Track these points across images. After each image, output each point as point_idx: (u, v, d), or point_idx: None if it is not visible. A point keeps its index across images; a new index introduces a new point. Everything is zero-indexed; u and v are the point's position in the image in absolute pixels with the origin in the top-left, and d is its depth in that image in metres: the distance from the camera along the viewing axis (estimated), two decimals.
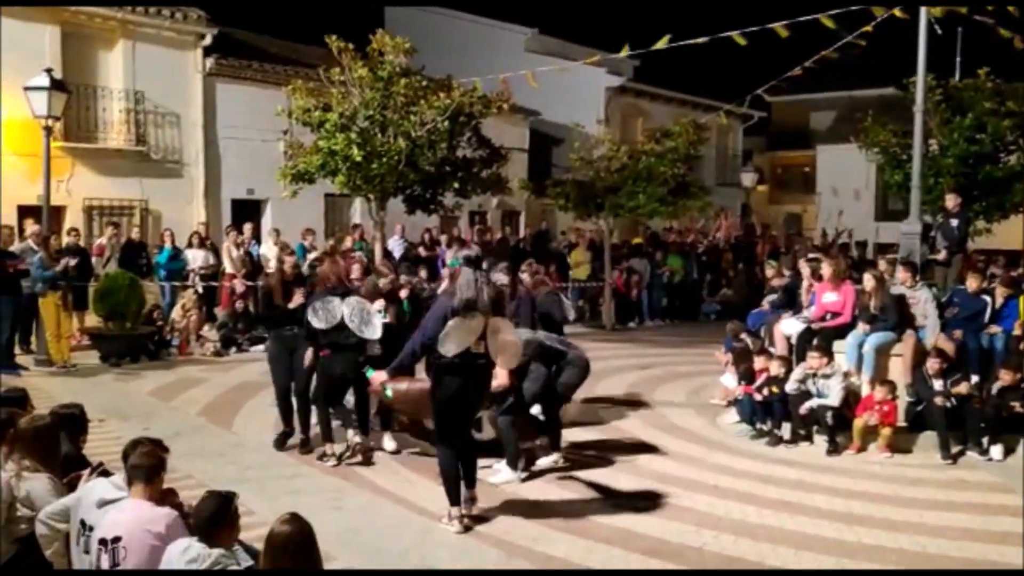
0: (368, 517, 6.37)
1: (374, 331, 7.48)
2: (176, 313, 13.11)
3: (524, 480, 7.23)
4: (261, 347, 13.18)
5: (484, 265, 6.35)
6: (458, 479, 6.17)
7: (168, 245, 14.37)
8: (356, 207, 19.01)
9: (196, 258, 14.52)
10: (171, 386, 10.72)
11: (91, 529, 4.26)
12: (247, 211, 17.62)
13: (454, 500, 6.15)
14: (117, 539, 3.93)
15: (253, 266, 14.87)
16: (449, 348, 5.86)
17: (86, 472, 4.68)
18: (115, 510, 4.09)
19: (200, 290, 13.94)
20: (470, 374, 6.01)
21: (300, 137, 13.68)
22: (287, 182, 13.28)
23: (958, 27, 17.06)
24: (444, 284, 6.55)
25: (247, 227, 15.51)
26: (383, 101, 12.72)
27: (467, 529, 6.09)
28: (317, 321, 7.44)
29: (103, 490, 4.29)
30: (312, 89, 13.15)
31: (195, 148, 17.12)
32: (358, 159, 12.37)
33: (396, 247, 16.16)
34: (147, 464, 4.16)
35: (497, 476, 7.18)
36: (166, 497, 4.16)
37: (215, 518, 3.74)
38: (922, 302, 9.14)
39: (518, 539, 5.98)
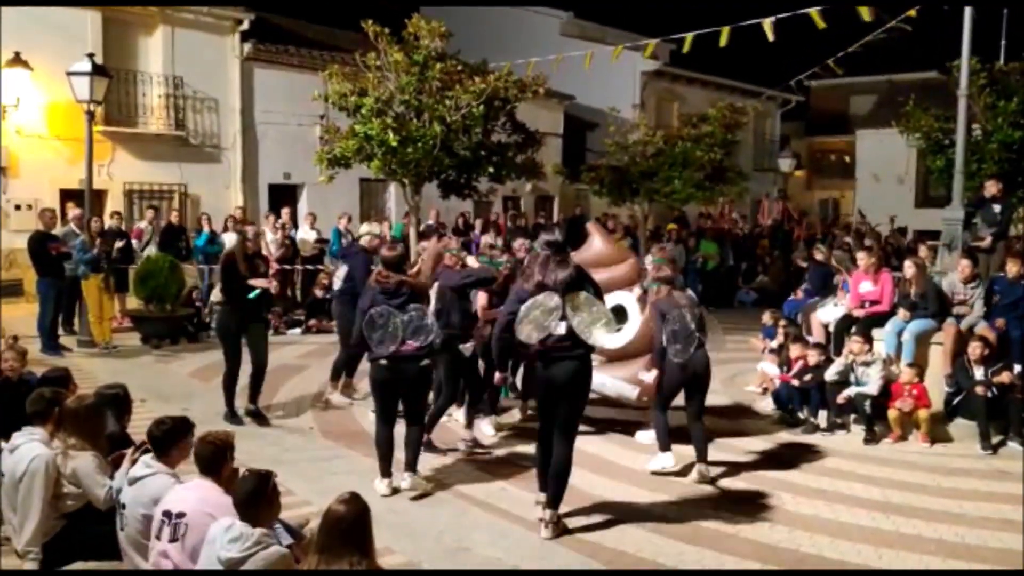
0: (405, 499, 6.43)
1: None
2: (214, 296, 13.26)
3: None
4: (298, 330, 13.39)
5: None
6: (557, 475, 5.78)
7: (206, 229, 14.55)
8: (391, 192, 19.10)
9: (232, 242, 14.65)
10: (210, 368, 10.85)
11: (124, 507, 4.37)
12: (284, 195, 17.77)
13: (549, 501, 5.83)
14: (182, 514, 4.03)
15: (292, 250, 15.01)
16: (529, 334, 5.58)
17: (130, 451, 4.78)
18: (187, 487, 4.21)
19: None
20: (567, 357, 5.64)
21: (336, 122, 13.74)
22: (323, 167, 13.37)
23: (1004, 8, 16.65)
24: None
25: (285, 212, 15.65)
26: (418, 86, 12.73)
27: (559, 534, 5.77)
28: None
29: (135, 468, 4.41)
30: (348, 74, 13.20)
31: (233, 133, 17.28)
32: (393, 144, 12.41)
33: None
34: (204, 455, 4.26)
35: (652, 463, 7.16)
36: (233, 480, 4.23)
37: (254, 497, 3.80)
38: (973, 297, 8.98)
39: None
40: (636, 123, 18.06)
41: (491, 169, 13.73)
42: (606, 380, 7.76)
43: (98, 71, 11.85)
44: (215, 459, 4.23)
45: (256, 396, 8.61)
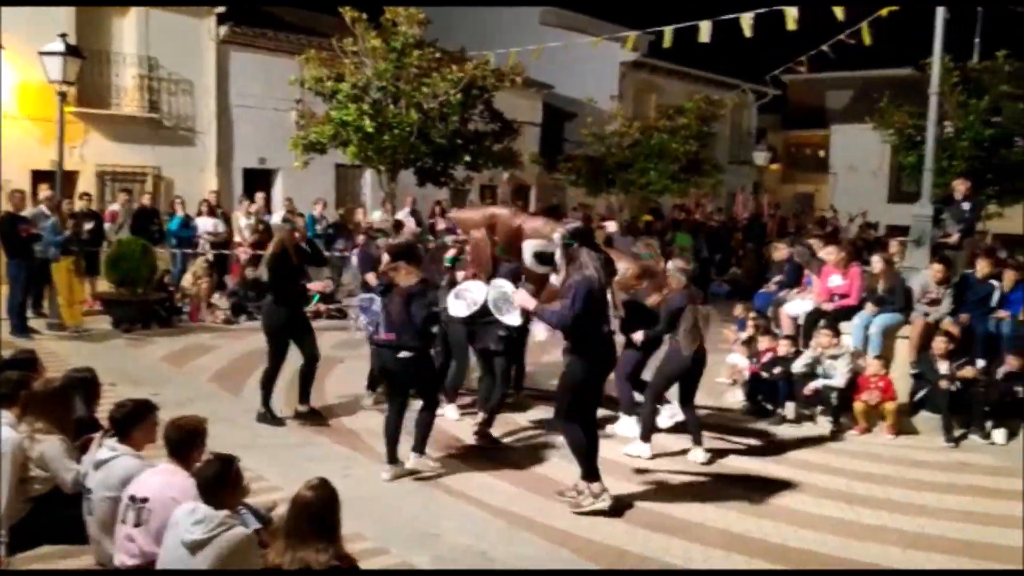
0: (376, 485, 6.45)
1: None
2: (187, 280, 13.19)
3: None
4: None
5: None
6: (594, 451, 6.04)
7: (179, 212, 14.43)
8: (367, 179, 19.03)
9: (206, 226, 14.57)
10: (182, 352, 10.82)
11: (90, 491, 4.37)
12: (259, 180, 17.66)
13: (594, 474, 6.01)
14: (145, 500, 4.03)
15: (266, 235, 14.90)
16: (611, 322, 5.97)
17: (98, 435, 4.76)
18: (154, 471, 4.21)
19: (211, 258, 14.01)
20: (606, 350, 6.00)
21: (312, 107, 13.68)
22: (299, 152, 13.31)
23: (978, 8, 16.85)
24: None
25: (259, 196, 15.55)
26: (396, 72, 12.71)
27: (616, 508, 6.01)
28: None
29: (100, 451, 4.40)
30: (325, 59, 13.15)
31: (208, 116, 17.14)
32: (370, 130, 12.39)
33: (406, 220, 16.17)
34: (173, 439, 4.26)
35: (630, 447, 7.32)
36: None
37: (217, 480, 3.81)
38: (944, 294, 9.12)
39: (523, 510, 6.07)
40: (613, 114, 18.09)
41: (468, 158, 13.75)
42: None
43: (71, 51, 11.71)
44: (184, 444, 4.22)
45: (308, 394, 8.18)
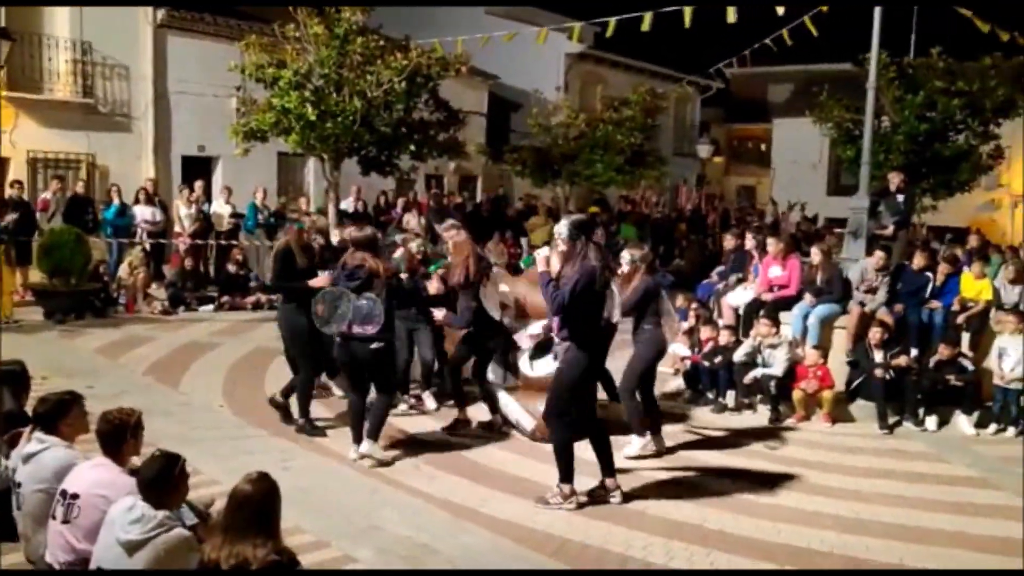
0: (317, 477, 6.38)
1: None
2: (123, 270, 12.87)
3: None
4: (210, 307, 13.07)
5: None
6: (572, 455, 5.98)
7: (115, 201, 14.06)
8: (310, 167, 18.75)
9: (144, 215, 14.23)
10: (117, 344, 10.56)
11: (19, 485, 4.24)
12: (198, 168, 17.26)
13: (567, 476, 5.96)
14: (75, 496, 3.92)
15: (206, 224, 14.65)
16: (615, 315, 5.83)
17: (27, 429, 4.62)
18: (87, 466, 4.09)
19: (148, 248, 13.70)
20: (601, 345, 5.92)
21: (253, 94, 13.42)
22: (239, 139, 13.05)
23: (914, 5, 17.25)
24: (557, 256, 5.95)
25: (198, 184, 15.22)
26: (339, 59, 12.52)
27: (580, 506, 5.94)
28: None
29: (29, 445, 4.28)
30: (266, 45, 12.89)
31: (144, 102, 16.69)
32: (312, 118, 12.20)
33: (350, 209, 16.00)
34: (103, 433, 4.15)
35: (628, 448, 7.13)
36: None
37: (160, 479, 3.72)
38: (881, 284, 9.31)
39: (466, 501, 6.05)
40: (558, 105, 18.11)
41: (412, 147, 13.63)
42: (510, 403, 7.73)
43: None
44: (114, 437, 4.12)
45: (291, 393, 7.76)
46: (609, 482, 6.14)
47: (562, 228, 5.79)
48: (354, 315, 6.41)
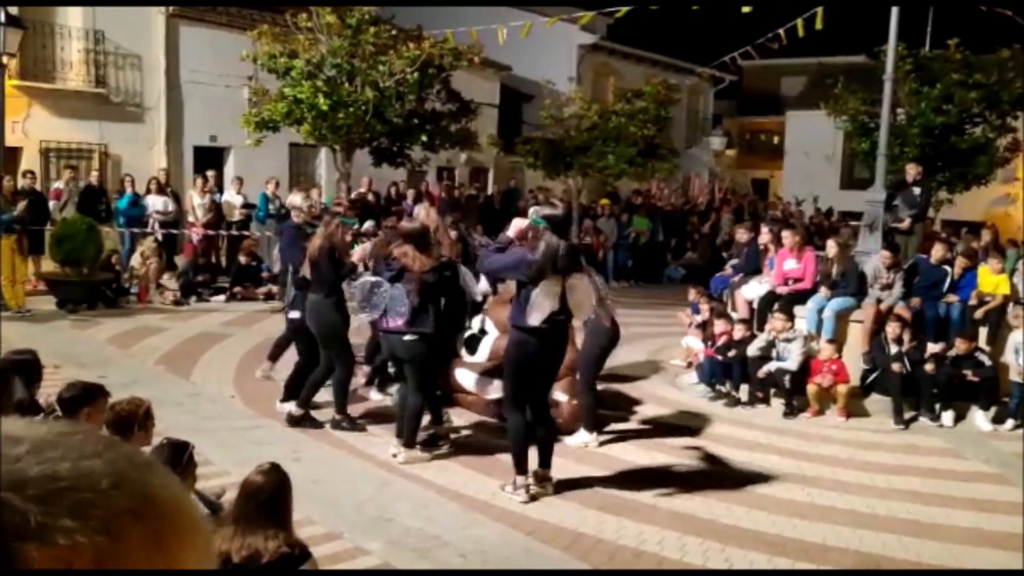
0: (327, 469, 6.36)
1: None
2: (135, 260, 12.88)
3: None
4: (222, 297, 13.07)
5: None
6: (527, 447, 5.97)
7: (128, 191, 14.07)
8: (322, 158, 18.73)
9: (156, 205, 14.24)
10: (129, 334, 10.57)
11: None
12: (210, 158, 17.26)
13: (521, 468, 5.95)
14: None
15: (218, 215, 14.65)
16: (535, 318, 5.70)
17: (38, 419, 4.59)
18: None
19: (160, 238, 13.70)
20: (551, 337, 5.81)
21: (265, 84, 13.40)
22: (251, 130, 13.04)
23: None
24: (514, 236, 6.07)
25: (210, 175, 15.22)
26: (351, 49, 12.49)
27: (533, 499, 5.90)
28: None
29: None
30: (278, 34, 12.86)
31: (157, 92, 16.68)
32: (324, 108, 12.17)
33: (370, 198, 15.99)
34: (112, 424, 4.12)
35: (573, 438, 7.12)
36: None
37: (169, 467, 3.68)
38: (896, 279, 9.21)
39: (478, 493, 6.02)
40: (571, 96, 18.01)
41: (424, 138, 13.59)
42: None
43: (11, 22, 11.33)
44: (122, 428, 4.08)
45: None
46: (540, 472, 6.05)
47: (537, 216, 5.92)
48: (388, 305, 6.43)
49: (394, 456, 6.56)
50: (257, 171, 16.08)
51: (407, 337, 6.41)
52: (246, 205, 15.11)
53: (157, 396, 7.73)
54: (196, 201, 14.56)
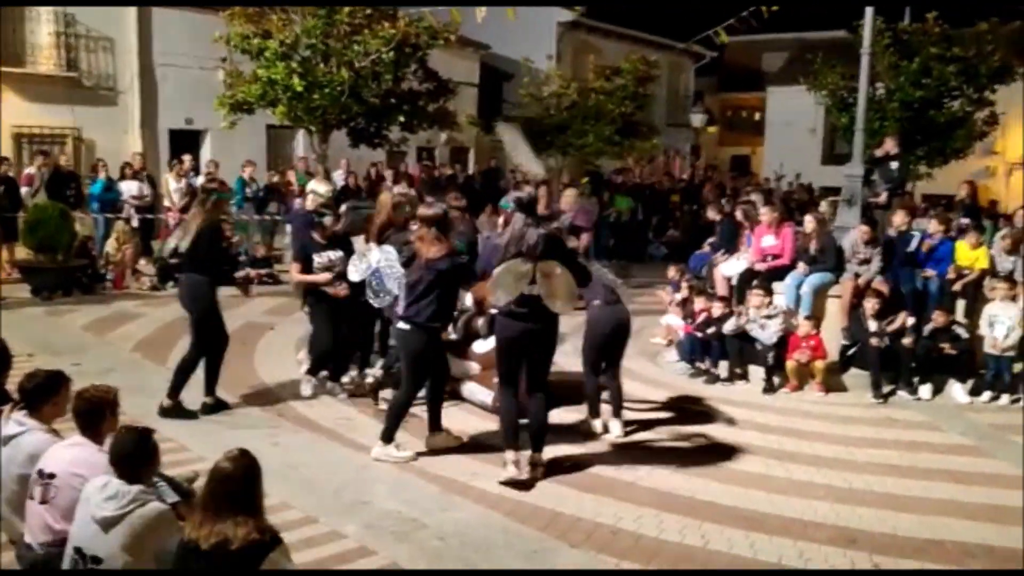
0: (305, 454, 6.32)
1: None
2: (110, 246, 12.73)
3: None
4: None
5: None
6: (514, 423, 5.97)
7: (102, 176, 13.89)
8: (299, 140, 18.55)
9: (130, 189, 14.07)
10: (105, 321, 10.46)
11: None
12: (186, 142, 17.07)
13: (508, 443, 5.97)
14: (52, 475, 3.85)
15: (195, 198, 14.47)
16: (499, 297, 5.77)
17: (7, 408, 4.53)
18: (63, 445, 4.02)
19: (135, 223, 13.55)
20: (530, 317, 5.77)
21: (240, 65, 13.22)
22: (226, 112, 12.88)
23: None
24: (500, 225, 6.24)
25: (186, 158, 15.05)
26: (325, 29, 12.32)
27: (527, 485, 5.83)
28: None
29: (7, 426, 4.19)
30: (251, 15, 12.66)
31: (130, 75, 16.45)
32: (299, 89, 12.03)
33: (340, 182, 15.84)
34: (81, 411, 4.06)
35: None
36: None
37: (133, 455, 3.64)
38: (873, 254, 9.20)
39: (457, 475, 6.00)
40: (550, 74, 17.89)
41: (402, 118, 13.48)
42: (472, 388, 7.63)
43: None
44: (92, 416, 4.03)
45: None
46: (532, 456, 5.98)
47: (508, 200, 6.05)
48: (378, 288, 6.43)
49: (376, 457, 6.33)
50: (234, 154, 15.92)
51: (401, 325, 6.25)
52: (190, 187, 14.86)
53: (134, 383, 7.72)
54: (172, 185, 14.40)
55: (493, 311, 6.62)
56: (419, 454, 6.34)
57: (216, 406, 7.12)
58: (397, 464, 6.17)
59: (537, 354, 5.97)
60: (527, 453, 6.00)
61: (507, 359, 6.03)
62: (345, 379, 7.83)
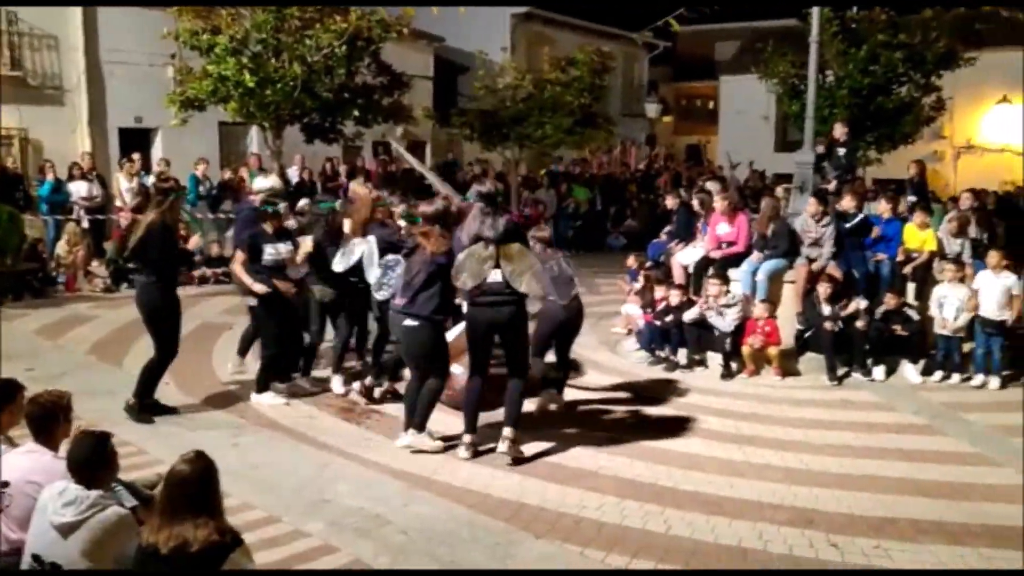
0: (266, 453, 6.28)
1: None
2: (61, 248, 12.49)
3: None
4: None
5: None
6: (476, 410, 6.26)
7: (50, 177, 13.60)
8: (253, 136, 18.29)
9: (80, 190, 13.80)
10: (58, 324, 10.27)
11: None
12: (136, 141, 16.72)
13: (468, 428, 6.25)
14: (5, 484, 3.79)
15: (147, 198, 14.24)
16: (465, 281, 5.99)
17: None
18: (17, 452, 3.95)
19: (86, 224, 13.30)
20: (496, 304, 6.02)
21: (189, 62, 13.01)
22: (176, 109, 12.67)
23: None
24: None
25: (136, 157, 14.78)
26: (276, 24, 12.17)
27: (517, 461, 6.13)
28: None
29: None
30: (200, 10, 12.45)
31: (76, 73, 16.07)
32: (251, 85, 11.88)
33: (295, 178, 15.70)
34: (33, 417, 4.00)
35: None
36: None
37: (90, 459, 3.59)
38: (825, 237, 9.34)
39: (420, 470, 6.00)
40: (504, 66, 17.85)
41: (356, 112, 13.37)
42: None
43: None
44: (45, 421, 3.97)
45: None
46: (506, 431, 6.19)
47: (471, 193, 6.46)
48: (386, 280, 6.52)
49: (407, 446, 6.36)
50: (187, 152, 15.64)
51: (408, 323, 6.21)
52: (141, 186, 14.63)
53: (89, 386, 7.62)
54: (123, 185, 14.16)
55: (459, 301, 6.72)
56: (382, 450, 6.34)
57: (139, 409, 6.92)
58: (358, 460, 6.15)
59: (508, 339, 6.21)
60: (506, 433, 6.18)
61: (475, 349, 6.27)
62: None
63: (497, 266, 5.96)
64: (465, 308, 6.56)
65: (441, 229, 6.24)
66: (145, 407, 6.93)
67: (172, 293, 6.96)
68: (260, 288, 7.10)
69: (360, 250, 7.13)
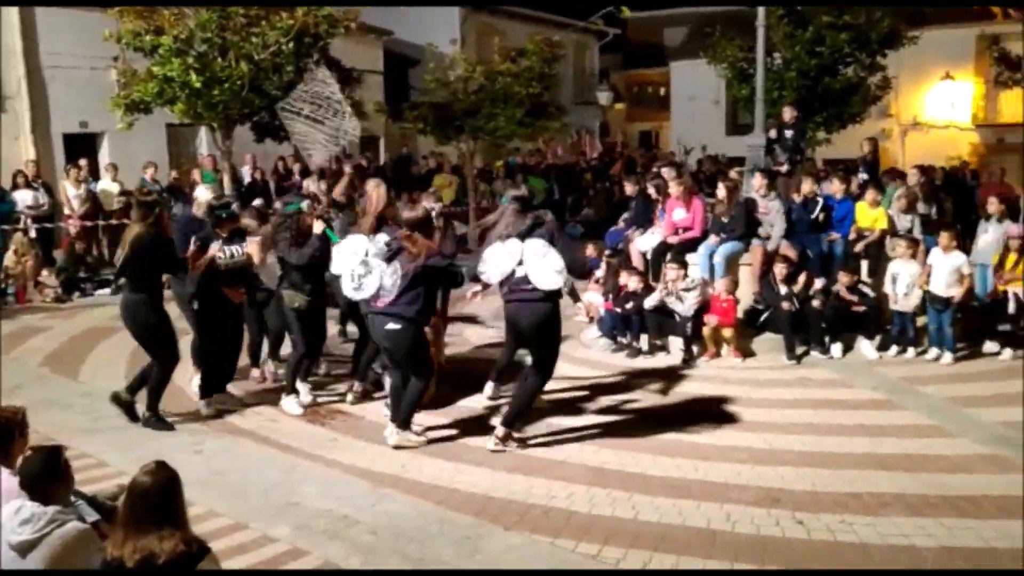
0: (229, 459, 6.20)
1: None
2: (9, 259, 12.18)
3: None
4: (107, 291, 12.50)
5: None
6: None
7: None
8: (202, 137, 18.00)
9: (25, 199, 13.46)
10: (9, 337, 10.01)
11: None
12: (82, 146, 16.36)
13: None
14: None
15: (95, 205, 13.98)
16: (490, 274, 6.28)
17: None
18: None
19: (33, 233, 12.99)
20: (525, 301, 6.23)
21: (133, 64, 12.74)
22: (122, 113, 12.41)
23: None
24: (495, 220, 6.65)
25: (83, 163, 14.46)
26: (221, 22, 11.95)
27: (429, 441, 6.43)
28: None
29: None
30: (141, 11, 12.18)
31: (16, 79, 15.64)
32: (197, 85, 11.66)
33: (247, 178, 15.49)
34: None
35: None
36: None
37: (44, 475, 3.51)
38: (773, 212, 9.49)
39: (387, 468, 5.97)
40: (455, 58, 17.75)
41: None
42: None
43: None
44: (3, 437, 3.87)
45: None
46: (498, 429, 6.34)
47: (507, 196, 6.74)
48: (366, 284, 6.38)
49: (390, 441, 6.38)
50: (134, 155, 15.33)
51: (389, 326, 6.16)
52: (123, 192, 14.42)
53: (45, 399, 7.47)
54: (71, 192, 13.84)
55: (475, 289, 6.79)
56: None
57: (156, 420, 6.86)
58: (324, 462, 6.10)
59: (530, 338, 6.41)
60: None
61: (511, 340, 6.91)
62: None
63: (521, 263, 6.16)
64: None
65: (421, 235, 6.24)
66: (159, 417, 6.85)
67: (160, 306, 6.81)
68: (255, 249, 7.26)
69: (365, 248, 6.83)
